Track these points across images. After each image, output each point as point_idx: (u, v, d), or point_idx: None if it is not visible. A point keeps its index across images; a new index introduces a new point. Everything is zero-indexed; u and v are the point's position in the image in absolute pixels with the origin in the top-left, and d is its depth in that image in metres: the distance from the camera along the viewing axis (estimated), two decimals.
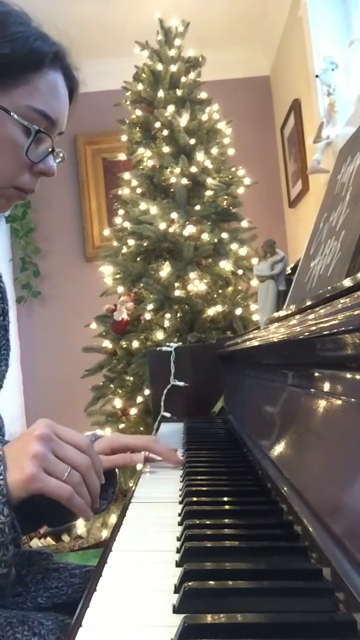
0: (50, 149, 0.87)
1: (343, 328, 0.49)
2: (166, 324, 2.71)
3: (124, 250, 2.92)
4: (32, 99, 0.83)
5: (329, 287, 0.63)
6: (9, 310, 1.00)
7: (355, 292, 0.51)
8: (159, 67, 3.00)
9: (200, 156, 2.85)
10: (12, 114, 0.82)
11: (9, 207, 0.90)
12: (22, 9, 0.88)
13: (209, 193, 2.88)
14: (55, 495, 0.65)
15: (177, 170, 2.83)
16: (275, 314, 1.04)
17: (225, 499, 0.74)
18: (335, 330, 0.51)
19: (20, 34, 0.82)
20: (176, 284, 2.74)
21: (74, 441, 0.69)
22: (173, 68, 2.98)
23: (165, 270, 2.76)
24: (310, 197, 3.19)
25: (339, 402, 0.57)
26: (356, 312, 0.47)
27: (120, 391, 2.82)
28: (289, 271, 1.31)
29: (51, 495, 0.65)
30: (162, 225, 2.76)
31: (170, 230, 2.76)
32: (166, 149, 2.88)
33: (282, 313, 0.96)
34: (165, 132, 2.91)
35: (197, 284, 2.70)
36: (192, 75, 3.03)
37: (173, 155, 2.87)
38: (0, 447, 0.66)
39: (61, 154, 0.93)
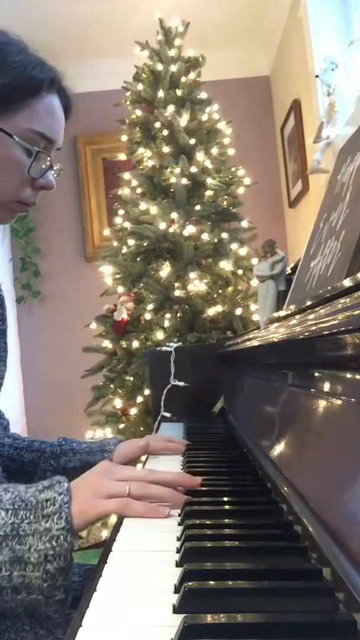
0: (49, 165, 0.94)
1: (343, 328, 0.49)
2: (166, 324, 2.71)
3: (124, 250, 2.92)
4: (32, 122, 0.90)
5: (329, 287, 0.63)
6: (7, 316, 1.05)
7: (355, 292, 0.51)
8: (159, 67, 3.00)
9: (200, 156, 2.85)
10: (14, 137, 0.89)
11: (13, 219, 0.99)
12: (19, 38, 0.94)
13: (209, 193, 2.88)
14: (117, 512, 0.70)
15: (177, 170, 2.83)
16: (275, 314, 1.04)
17: (225, 499, 0.74)
18: (335, 330, 0.51)
19: (19, 63, 0.89)
20: (176, 284, 2.74)
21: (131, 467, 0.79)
22: (173, 68, 2.98)
23: (165, 270, 2.76)
24: (310, 197, 3.19)
25: (339, 402, 0.57)
26: (356, 312, 0.47)
27: (120, 391, 2.82)
28: (289, 271, 1.31)
29: (114, 513, 0.71)
30: (162, 225, 2.76)
31: (170, 230, 2.76)
32: (166, 149, 2.88)
33: (282, 313, 0.95)
34: (165, 132, 2.91)
35: (197, 284, 2.70)
36: (192, 75, 3.02)
37: (173, 155, 2.87)
38: (13, 490, 0.69)
39: (59, 169, 1.01)
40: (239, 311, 2.78)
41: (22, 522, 0.63)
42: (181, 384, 1.82)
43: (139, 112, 3.03)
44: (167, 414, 1.81)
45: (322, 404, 0.63)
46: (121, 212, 3.01)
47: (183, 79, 2.98)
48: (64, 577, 0.62)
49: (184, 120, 2.87)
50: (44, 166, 0.94)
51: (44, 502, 0.65)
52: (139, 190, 2.97)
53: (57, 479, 0.69)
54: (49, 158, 0.94)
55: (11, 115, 0.89)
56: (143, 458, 1.12)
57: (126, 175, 3.01)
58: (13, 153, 0.90)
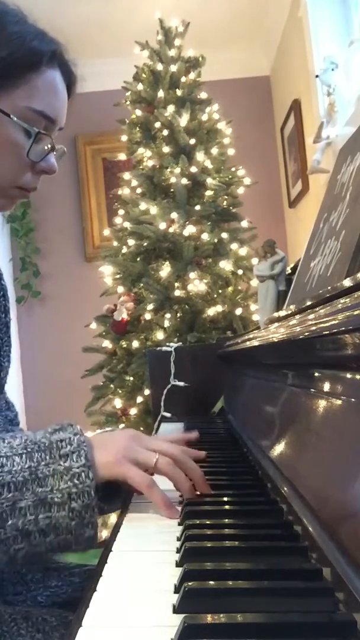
0: (50, 147, 0.87)
1: (343, 328, 0.49)
2: (166, 324, 2.71)
3: (124, 250, 2.92)
4: (31, 100, 0.83)
5: (329, 287, 0.63)
6: (9, 308, 1.01)
7: (355, 292, 0.51)
8: (159, 67, 3.00)
9: (200, 156, 2.85)
10: (12, 116, 0.82)
11: (12, 206, 0.92)
12: (18, 7, 0.87)
13: (209, 193, 2.88)
14: (137, 483, 0.68)
15: (177, 170, 2.83)
16: (275, 314, 1.04)
17: (225, 499, 0.74)
18: (335, 330, 0.51)
19: (17, 34, 0.82)
20: (176, 284, 2.74)
21: (162, 439, 0.77)
22: (173, 68, 2.98)
23: (165, 270, 2.76)
24: (310, 197, 3.19)
25: (339, 402, 0.57)
26: (356, 312, 0.47)
27: (120, 391, 2.82)
28: (289, 271, 1.31)
29: (133, 483, 0.68)
30: (162, 225, 2.76)
31: (170, 230, 2.76)
32: (166, 149, 2.88)
33: (282, 313, 0.95)
34: (165, 132, 2.91)
35: (197, 284, 2.70)
36: (192, 75, 3.03)
37: (173, 155, 2.87)
38: (21, 435, 0.68)
39: (61, 150, 0.93)
40: (239, 311, 2.78)
41: (38, 464, 0.63)
42: (181, 384, 1.82)
43: (139, 112, 3.03)
44: (167, 414, 1.81)
45: (322, 404, 0.63)
46: (121, 212, 3.01)
47: (183, 79, 2.98)
48: (90, 514, 0.62)
49: (184, 120, 2.87)
50: (45, 148, 0.86)
51: (58, 442, 0.64)
52: (139, 190, 2.97)
53: (67, 422, 0.68)
54: (50, 139, 0.86)
55: (9, 93, 0.81)
56: None
57: (126, 175, 3.01)
58: (11, 134, 0.83)
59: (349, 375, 0.55)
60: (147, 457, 0.70)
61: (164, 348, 1.90)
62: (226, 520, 0.66)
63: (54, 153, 0.89)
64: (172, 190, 2.87)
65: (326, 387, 0.63)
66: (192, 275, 2.71)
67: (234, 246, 2.87)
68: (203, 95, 3.04)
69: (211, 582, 0.47)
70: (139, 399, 2.71)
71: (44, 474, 0.62)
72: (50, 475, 0.62)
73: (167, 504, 0.69)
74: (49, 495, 0.61)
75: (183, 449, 0.75)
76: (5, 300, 1.00)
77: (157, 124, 2.93)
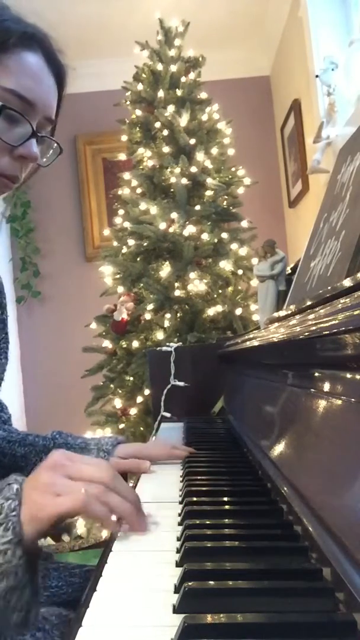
0: (30, 132, 0.83)
1: (343, 328, 0.49)
2: (166, 324, 2.71)
3: (124, 250, 2.92)
4: (0, 79, 0.79)
5: (329, 287, 0.63)
6: (7, 304, 1.00)
7: (355, 292, 0.51)
8: (159, 67, 3.00)
9: (200, 156, 2.85)
10: None
11: None
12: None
13: (209, 193, 2.88)
14: (72, 511, 0.58)
15: (177, 170, 2.83)
16: (275, 314, 1.04)
17: (225, 499, 0.74)
18: (335, 330, 0.51)
19: None
20: (176, 284, 2.74)
21: (91, 463, 0.65)
22: (173, 68, 2.98)
23: (165, 270, 2.76)
24: (310, 197, 3.19)
25: (339, 402, 0.57)
26: (356, 312, 0.47)
27: (120, 391, 2.82)
28: (289, 271, 1.31)
29: (68, 514, 0.58)
30: (162, 225, 2.76)
31: (170, 230, 2.76)
32: (166, 149, 2.88)
33: (282, 313, 0.95)
34: (165, 132, 2.91)
35: (197, 284, 2.70)
36: (192, 75, 3.03)
37: (173, 155, 2.87)
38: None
39: (54, 145, 0.90)
40: (239, 311, 2.78)
41: None
42: (181, 384, 1.82)
43: (139, 112, 3.03)
44: (167, 414, 1.81)
45: (322, 404, 0.63)
46: (121, 212, 3.01)
47: (183, 79, 2.98)
48: (17, 597, 0.53)
49: (184, 120, 2.87)
50: (23, 132, 0.82)
51: None
52: (139, 190, 2.97)
53: (9, 479, 0.60)
54: (29, 125, 0.82)
55: None
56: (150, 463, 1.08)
57: (126, 175, 3.01)
58: None
59: (349, 375, 0.55)
60: (71, 487, 0.60)
61: (164, 348, 1.90)
62: (226, 520, 0.65)
63: (38, 142, 0.86)
64: (172, 190, 2.87)
65: (326, 387, 0.63)
66: (192, 275, 2.71)
67: (234, 246, 2.87)
68: (203, 95, 3.04)
69: (211, 582, 0.47)
70: (139, 399, 2.71)
71: None
72: None
73: (108, 516, 0.60)
74: None
75: (112, 473, 0.63)
76: (2, 297, 0.98)
77: (157, 124, 2.93)
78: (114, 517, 0.61)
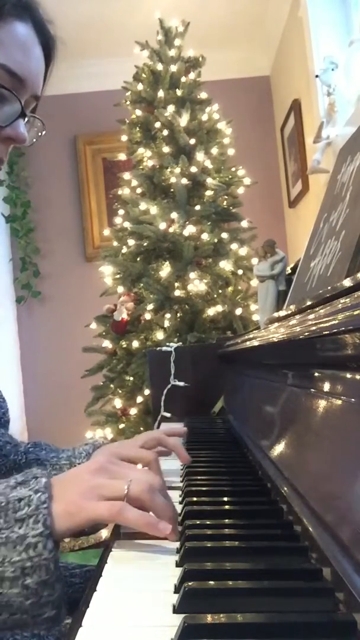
0: (18, 112, 0.76)
1: (343, 328, 0.49)
2: (166, 324, 2.71)
3: (124, 250, 2.92)
4: None
5: (329, 287, 0.63)
6: None
7: (355, 292, 0.51)
8: (159, 67, 3.00)
9: (200, 156, 2.85)
10: None
11: None
12: None
13: (209, 193, 2.88)
14: (106, 517, 0.57)
15: (177, 170, 2.83)
16: (275, 314, 1.04)
17: (225, 499, 0.74)
18: (335, 330, 0.51)
19: None
20: (176, 284, 2.74)
21: (135, 468, 0.64)
22: (173, 68, 2.98)
23: (165, 270, 2.76)
24: (310, 197, 3.19)
25: (339, 402, 0.57)
26: (356, 312, 0.47)
27: (120, 391, 2.82)
28: (289, 271, 1.31)
29: (102, 519, 0.57)
30: (162, 225, 2.76)
31: (170, 230, 2.76)
32: (166, 149, 2.88)
33: (282, 313, 0.95)
34: (165, 132, 2.91)
35: (197, 284, 2.70)
36: (192, 75, 3.03)
37: (173, 155, 2.87)
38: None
39: (39, 123, 0.83)
40: (239, 311, 2.78)
41: None
42: (181, 384, 1.82)
43: (139, 112, 3.03)
44: (167, 414, 1.81)
45: (322, 404, 0.63)
46: (121, 212, 3.01)
47: (183, 79, 2.99)
48: (49, 592, 0.52)
49: (184, 120, 2.87)
50: (11, 112, 0.75)
51: (16, 501, 0.54)
52: (139, 190, 2.97)
53: (34, 472, 0.59)
54: (19, 103, 0.75)
55: None
56: None
57: (126, 175, 3.01)
58: None
59: (349, 375, 0.55)
60: (115, 488, 0.59)
61: (164, 348, 1.90)
62: (226, 520, 0.65)
63: (28, 122, 0.79)
64: (172, 190, 2.87)
65: (326, 387, 0.63)
66: (192, 275, 2.71)
67: (234, 246, 2.87)
68: (203, 95, 3.04)
69: (211, 582, 0.47)
70: (139, 399, 2.72)
71: None
72: (3, 543, 0.52)
73: (148, 523, 0.58)
74: (0, 568, 0.52)
75: (160, 479, 0.64)
76: None
77: (157, 124, 2.93)
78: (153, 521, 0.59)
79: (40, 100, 0.82)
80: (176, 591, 0.49)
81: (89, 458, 0.83)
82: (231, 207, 2.97)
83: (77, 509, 0.56)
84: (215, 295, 2.78)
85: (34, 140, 0.84)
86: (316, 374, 0.67)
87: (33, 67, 0.77)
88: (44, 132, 0.83)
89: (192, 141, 2.87)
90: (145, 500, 0.60)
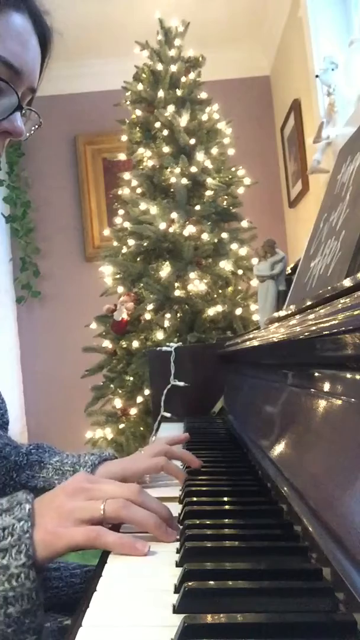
0: (15, 105, 0.74)
1: (343, 328, 0.49)
2: (166, 324, 2.71)
3: (124, 250, 2.92)
4: None
5: (329, 287, 0.63)
6: None
7: (355, 292, 0.51)
8: (159, 67, 3.00)
9: (200, 156, 2.85)
10: None
11: None
12: None
13: (209, 193, 2.88)
14: (84, 543, 0.57)
15: (177, 170, 2.83)
16: (275, 314, 1.04)
17: (225, 499, 0.74)
18: (335, 330, 0.51)
19: None
20: (176, 284, 2.75)
21: (113, 482, 0.64)
22: (173, 68, 2.98)
23: (165, 270, 2.76)
24: (310, 197, 3.19)
25: (339, 402, 0.57)
26: (356, 312, 0.47)
27: (120, 391, 2.82)
28: (289, 271, 1.31)
29: (82, 545, 0.57)
30: (162, 225, 2.76)
31: (170, 230, 2.76)
32: (166, 149, 2.88)
33: (282, 313, 0.95)
34: (165, 132, 2.91)
35: (197, 284, 2.70)
36: (192, 75, 3.03)
37: (173, 155, 2.87)
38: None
39: (35, 116, 0.81)
40: (239, 311, 2.78)
41: None
42: (181, 384, 1.82)
43: (139, 112, 3.03)
44: (167, 414, 1.81)
45: (322, 404, 0.63)
46: (121, 212, 3.01)
47: (183, 79, 2.99)
48: (30, 619, 0.53)
49: (184, 120, 2.87)
50: (7, 104, 0.73)
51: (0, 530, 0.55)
52: (139, 190, 2.97)
53: (18, 498, 0.58)
54: (16, 96, 0.73)
55: None
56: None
57: (126, 175, 3.01)
58: None
59: (349, 375, 0.55)
60: (91, 511, 0.59)
61: (164, 348, 1.90)
62: (226, 520, 0.65)
63: (24, 116, 0.78)
64: (172, 190, 2.87)
65: (326, 387, 0.63)
66: (192, 275, 2.71)
67: (234, 246, 2.87)
68: (203, 95, 3.04)
69: (211, 582, 0.47)
70: (139, 399, 2.71)
71: None
72: None
73: (124, 545, 0.58)
74: None
75: (137, 488, 0.63)
76: None
77: (157, 124, 2.93)
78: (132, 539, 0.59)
79: (36, 93, 0.80)
80: (176, 591, 0.49)
81: (94, 470, 0.83)
82: (231, 207, 2.97)
83: (55, 537, 0.56)
84: (215, 295, 2.78)
85: (30, 132, 0.82)
86: (316, 374, 0.67)
87: (30, 59, 0.75)
88: (39, 125, 0.82)
89: (192, 141, 2.87)
90: (122, 517, 0.60)
